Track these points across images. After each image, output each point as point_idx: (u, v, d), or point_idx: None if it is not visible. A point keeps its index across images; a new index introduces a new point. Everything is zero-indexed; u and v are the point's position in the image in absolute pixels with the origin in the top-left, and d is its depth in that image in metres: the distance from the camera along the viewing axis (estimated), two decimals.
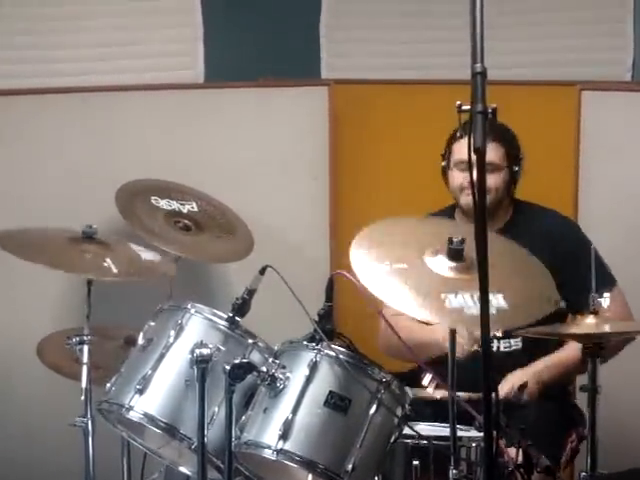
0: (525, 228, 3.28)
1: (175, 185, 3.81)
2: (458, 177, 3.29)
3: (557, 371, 3.19)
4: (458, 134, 3.24)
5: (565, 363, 3.19)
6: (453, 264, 2.57)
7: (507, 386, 2.99)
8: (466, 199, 3.28)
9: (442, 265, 2.59)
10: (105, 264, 3.07)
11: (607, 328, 2.72)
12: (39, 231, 3.29)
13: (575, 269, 3.06)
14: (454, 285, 2.51)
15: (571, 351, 3.15)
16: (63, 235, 3.21)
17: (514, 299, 2.52)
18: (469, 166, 3.06)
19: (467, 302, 2.46)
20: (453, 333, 2.55)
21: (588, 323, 2.73)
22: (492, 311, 2.34)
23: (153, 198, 3.69)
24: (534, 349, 3.21)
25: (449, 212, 3.41)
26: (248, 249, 3.67)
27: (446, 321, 2.54)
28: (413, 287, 2.53)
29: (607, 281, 3.14)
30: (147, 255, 3.26)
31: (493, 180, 3.24)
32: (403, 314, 2.95)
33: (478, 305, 2.30)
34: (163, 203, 3.70)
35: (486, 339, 2.19)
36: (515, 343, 3.23)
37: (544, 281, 2.71)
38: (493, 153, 3.24)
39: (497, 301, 2.46)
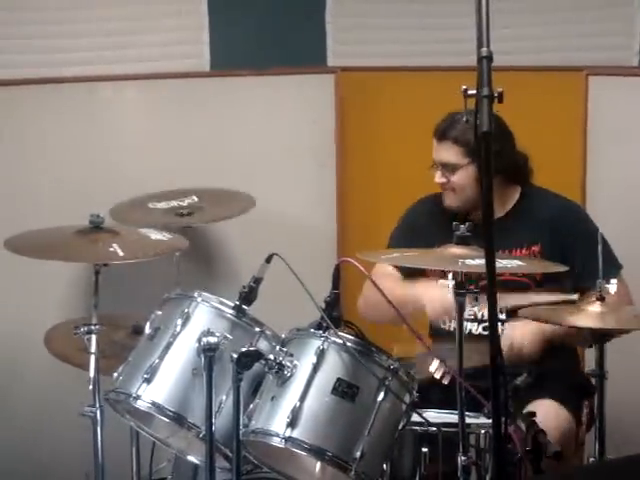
0: (528, 214, 3.26)
1: (171, 192, 3.79)
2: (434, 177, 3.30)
3: (565, 331, 3.09)
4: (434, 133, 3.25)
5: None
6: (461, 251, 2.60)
7: (516, 332, 3.03)
8: (445, 200, 3.30)
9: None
10: (111, 249, 3.05)
11: (613, 321, 2.70)
12: (49, 230, 3.28)
13: (578, 252, 3.05)
14: (468, 255, 2.59)
15: None
16: (72, 229, 3.20)
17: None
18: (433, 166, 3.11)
19: (474, 262, 2.53)
20: (461, 316, 2.55)
21: (594, 311, 2.72)
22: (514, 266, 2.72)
23: (150, 204, 3.69)
24: None
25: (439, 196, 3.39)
26: (249, 205, 3.66)
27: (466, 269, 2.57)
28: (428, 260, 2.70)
29: (614, 266, 3.12)
30: (157, 235, 3.24)
31: (456, 179, 3.22)
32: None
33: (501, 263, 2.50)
34: (162, 205, 3.69)
35: (493, 325, 2.20)
36: None
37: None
38: (444, 153, 3.22)
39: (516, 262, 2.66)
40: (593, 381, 2.74)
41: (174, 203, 3.70)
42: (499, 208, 3.26)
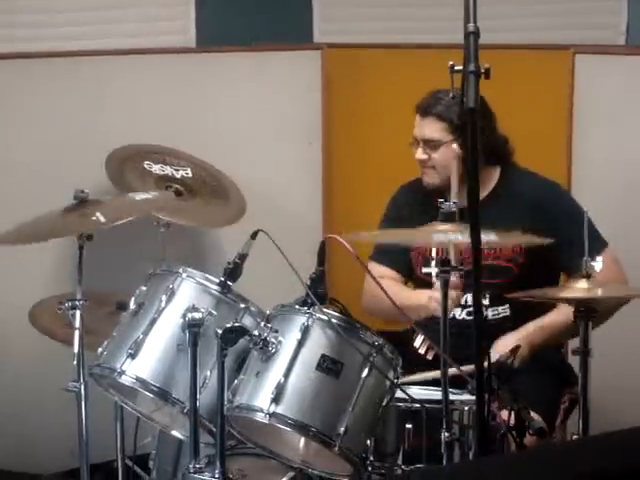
0: (510, 195, 3.24)
1: (171, 150, 3.80)
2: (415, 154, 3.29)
3: (548, 333, 3.16)
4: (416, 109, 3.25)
5: (556, 326, 3.15)
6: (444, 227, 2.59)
7: (499, 349, 2.98)
8: (424, 178, 3.29)
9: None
10: (94, 218, 3.02)
11: (599, 292, 2.72)
12: (37, 218, 3.24)
13: (563, 232, 3.04)
14: (443, 231, 2.58)
15: (562, 315, 3.12)
16: (59, 210, 3.16)
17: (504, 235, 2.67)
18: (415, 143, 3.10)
19: (455, 235, 2.52)
20: (445, 296, 2.55)
21: (580, 287, 2.73)
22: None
23: (146, 163, 3.68)
24: (522, 317, 3.19)
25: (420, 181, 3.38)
26: (239, 214, 3.67)
27: (429, 242, 2.58)
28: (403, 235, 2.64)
29: (598, 244, 3.12)
30: (142, 196, 3.20)
31: (438, 156, 3.21)
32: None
33: (464, 237, 2.41)
34: (156, 168, 3.68)
35: (478, 304, 2.21)
36: (503, 310, 3.22)
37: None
38: (428, 129, 3.21)
39: (487, 237, 2.45)
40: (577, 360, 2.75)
41: (168, 170, 3.68)
42: (480, 189, 3.24)
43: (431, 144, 3.21)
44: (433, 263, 2.65)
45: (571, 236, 2.99)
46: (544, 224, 3.08)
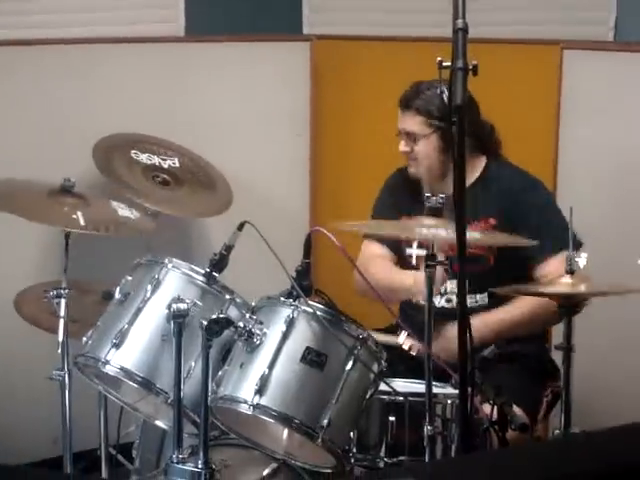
0: (489, 187, 3.26)
1: (158, 140, 3.80)
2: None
3: (492, 330, 3.11)
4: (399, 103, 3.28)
5: (506, 322, 3.15)
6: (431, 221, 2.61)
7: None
8: (409, 169, 3.34)
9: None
10: (74, 216, 3.03)
11: (583, 288, 2.73)
12: (21, 183, 3.26)
13: (532, 226, 3.05)
14: (428, 226, 2.63)
15: (515, 310, 3.15)
16: (43, 188, 3.19)
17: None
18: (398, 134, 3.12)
19: (438, 231, 2.57)
20: (430, 288, 2.56)
21: (564, 282, 2.74)
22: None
23: (133, 152, 3.68)
24: (500, 305, 3.19)
25: None
26: (226, 204, 3.67)
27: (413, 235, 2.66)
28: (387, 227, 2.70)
29: (561, 243, 3.07)
30: (124, 212, 3.23)
31: (419, 149, 3.26)
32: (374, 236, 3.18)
33: (449, 232, 2.47)
34: (143, 157, 3.68)
35: (463, 298, 2.21)
36: (481, 299, 3.23)
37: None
38: (408, 122, 3.26)
39: (470, 235, 2.42)
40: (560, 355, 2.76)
41: (155, 160, 3.69)
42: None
43: (412, 137, 3.27)
44: (415, 245, 2.66)
45: (539, 231, 3.01)
46: (516, 216, 3.12)
